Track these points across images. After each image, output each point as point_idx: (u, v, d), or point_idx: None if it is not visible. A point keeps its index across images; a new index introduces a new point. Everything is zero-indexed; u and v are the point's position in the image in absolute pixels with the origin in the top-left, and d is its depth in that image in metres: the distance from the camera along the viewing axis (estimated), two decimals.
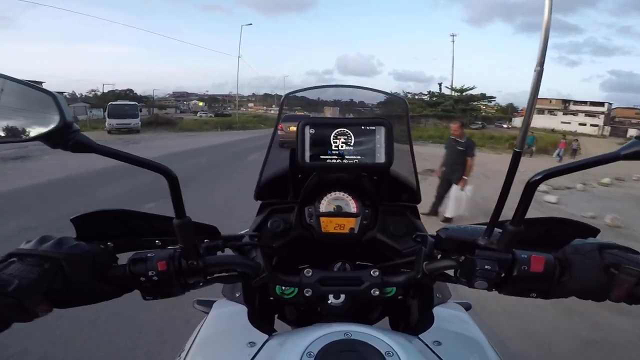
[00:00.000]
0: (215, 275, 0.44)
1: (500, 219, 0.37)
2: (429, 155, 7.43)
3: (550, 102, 42.87)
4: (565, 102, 43.01)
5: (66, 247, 0.36)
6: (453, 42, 37.31)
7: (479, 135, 21.26)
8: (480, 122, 32.36)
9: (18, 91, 0.33)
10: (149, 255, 0.39)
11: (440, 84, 34.46)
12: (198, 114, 41.77)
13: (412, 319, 0.60)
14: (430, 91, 33.74)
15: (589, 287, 0.38)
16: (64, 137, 0.32)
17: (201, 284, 0.42)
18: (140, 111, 19.31)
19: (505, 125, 36.75)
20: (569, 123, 37.36)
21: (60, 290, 0.34)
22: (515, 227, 0.36)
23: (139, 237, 0.48)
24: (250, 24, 26.68)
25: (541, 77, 0.31)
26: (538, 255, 0.39)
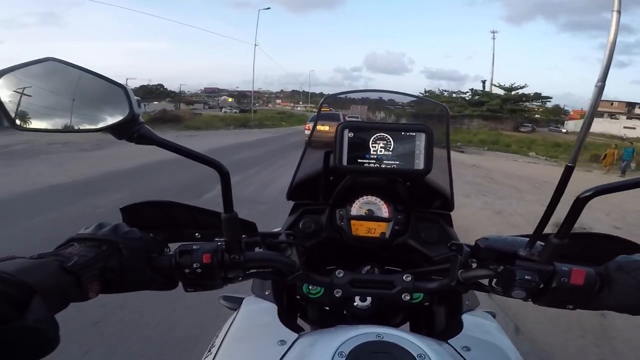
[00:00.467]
0: (252, 270, 0.47)
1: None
2: (509, 176, 6.40)
3: (612, 104, 38.20)
4: (630, 105, 38.19)
5: (122, 232, 0.41)
6: (494, 38, 35.18)
7: (539, 142, 19.51)
8: (530, 125, 29.70)
9: (91, 83, 0.36)
10: (194, 247, 0.42)
11: (484, 82, 32.04)
12: (223, 110, 43.52)
13: (436, 324, 0.62)
14: (472, 89, 31.93)
15: (627, 303, 0.40)
16: (130, 129, 0.35)
17: (240, 278, 0.46)
18: (145, 106, 19.95)
19: (563, 130, 32.85)
20: (634, 128, 32.86)
21: (114, 271, 0.38)
22: (560, 240, 0.38)
23: (181, 228, 0.53)
24: (269, 8, 25.89)
25: (602, 92, 0.32)
26: (579, 269, 0.40)
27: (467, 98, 31.10)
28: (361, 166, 0.54)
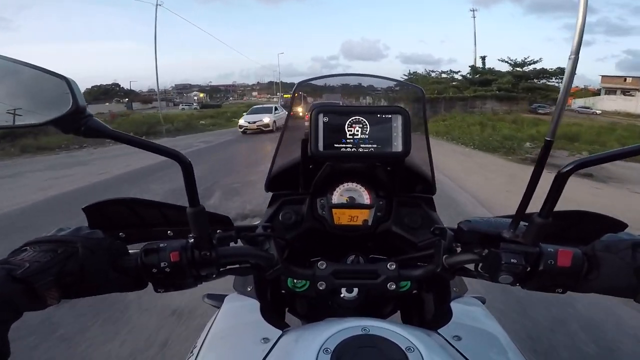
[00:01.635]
0: (228, 267, 0.51)
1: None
2: None
3: (625, 80, 38.56)
4: None
5: (83, 233, 0.44)
6: (474, 17, 35.12)
7: (590, 130, 14.04)
8: (546, 105, 29.56)
9: (31, 76, 0.38)
10: (161, 245, 0.45)
11: (483, 57, 30.60)
12: (180, 107, 43.51)
13: (426, 313, 0.68)
14: (473, 65, 30.62)
15: (616, 286, 0.43)
16: (76, 122, 0.37)
17: (214, 275, 0.49)
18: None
19: (597, 111, 31.49)
20: None
21: (73, 274, 0.40)
22: (543, 220, 0.41)
23: (151, 227, 0.57)
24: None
25: (576, 65, 0.36)
26: (565, 250, 0.44)
27: (468, 76, 30.09)
28: (338, 151, 0.58)
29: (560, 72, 27.85)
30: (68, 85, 0.37)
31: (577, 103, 35.60)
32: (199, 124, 21.15)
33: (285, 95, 20.72)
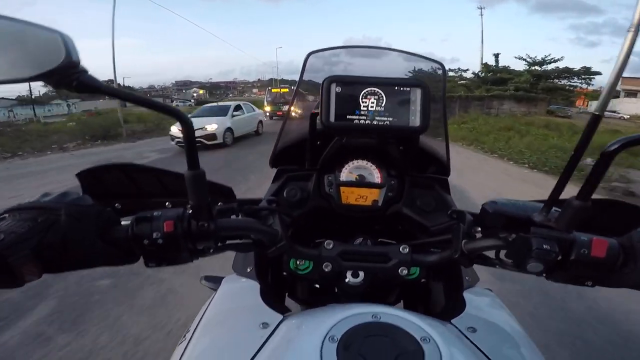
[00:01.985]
0: (227, 241, 0.49)
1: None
2: None
3: None
4: None
5: (68, 199, 0.41)
6: (481, 14, 34.96)
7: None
8: (568, 108, 28.19)
9: (23, 31, 0.37)
10: (155, 214, 0.42)
11: (496, 55, 29.32)
12: (174, 104, 43.99)
13: (433, 302, 0.66)
14: (486, 63, 29.40)
15: None
16: (68, 76, 0.37)
17: (212, 250, 0.46)
18: (72, 106, 20.71)
19: (624, 115, 30.06)
20: None
21: (53, 246, 0.37)
22: (582, 203, 0.39)
23: (149, 197, 0.55)
24: None
25: (635, 40, 0.34)
26: (601, 239, 0.41)
27: (480, 75, 29.11)
28: (351, 123, 0.57)
29: (584, 72, 26.79)
30: (62, 40, 0.37)
31: (592, 105, 34.17)
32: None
33: (273, 90, 20.48)
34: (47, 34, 0.38)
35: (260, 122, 12.80)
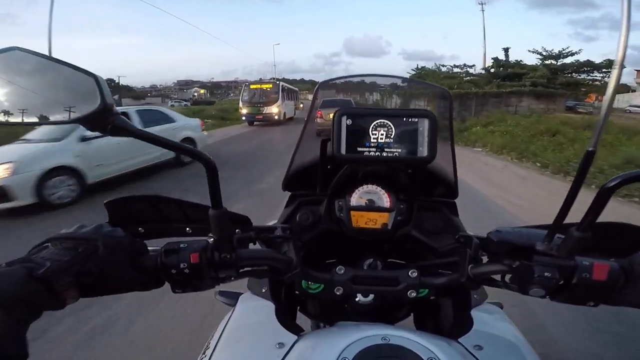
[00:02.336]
0: (246, 269, 0.55)
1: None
2: None
3: None
4: None
5: (104, 230, 0.47)
6: (482, 10, 33.93)
7: None
8: (589, 104, 27.25)
9: (60, 72, 0.41)
10: (181, 246, 0.49)
11: (506, 49, 27.76)
12: (169, 104, 44.68)
13: (442, 319, 0.71)
14: (496, 57, 28.06)
15: None
16: (103, 120, 0.40)
17: (232, 277, 0.53)
18: None
19: None
20: None
21: (92, 273, 0.43)
22: (582, 234, 0.43)
23: (170, 223, 0.62)
24: None
25: (620, 77, 0.39)
26: (602, 263, 0.46)
27: (491, 70, 27.80)
28: (361, 155, 0.62)
29: (607, 65, 25.12)
30: (96, 83, 0.40)
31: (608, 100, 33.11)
32: None
33: (252, 86, 18.21)
34: (83, 77, 0.41)
35: (191, 140, 7.45)
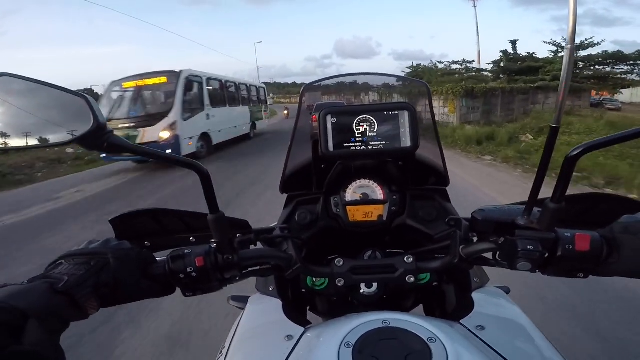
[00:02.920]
0: (250, 269, 0.61)
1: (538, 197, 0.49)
2: None
3: None
4: None
5: (112, 244, 0.53)
6: (475, 6, 33.54)
7: None
8: (615, 100, 25.92)
9: (51, 96, 0.45)
10: (186, 252, 0.55)
11: (514, 42, 26.10)
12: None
13: (448, 304, 0.77)
14: (505, 50, 26.04)
15: (639, 268, 0.49)
16: (98, 139, 0.44)
17: (237, 278, 0.59)
18: None
19: None
20: None
21: (108, 284, 0.49)
22: (556, 205, 0.48)
23: (174, 234, 0.69)
24: None
25: (573, 54, 0.44)
26: (583, 233, 0.50)
27: (501, 64, 25.86)
28: (348, 150, 0.70)
29: (638, 56, 23.07)
30: (88, 104, 0.45)
31: (624, 93, 30.22)
32: None
33: (125, 84, 8.98)
34: (74, 99, 0.45)
35: None
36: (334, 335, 0.50)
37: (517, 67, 25.02)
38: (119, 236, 0.65)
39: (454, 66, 28.59)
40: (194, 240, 0.69)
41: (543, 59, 25.18)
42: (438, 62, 29.49)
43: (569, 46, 0.43)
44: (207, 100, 10.16)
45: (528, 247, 0.50)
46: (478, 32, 32.95)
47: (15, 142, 0.47)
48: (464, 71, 28.10)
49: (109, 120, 8.47)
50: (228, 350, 0.61)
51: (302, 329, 0.59)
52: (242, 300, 0.82)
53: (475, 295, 0.67)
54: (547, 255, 0.51)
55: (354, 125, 0.70)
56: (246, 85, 14.29)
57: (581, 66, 23.86)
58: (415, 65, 30.63)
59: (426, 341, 0.47)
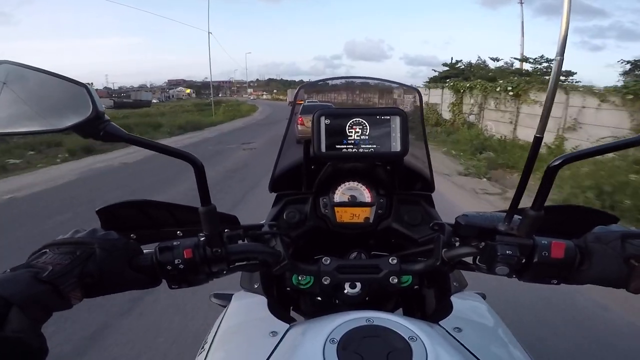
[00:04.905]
0: (237, 263, 0.61)
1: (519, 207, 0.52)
2: None
3: None
4: None
5: (98, 234, 0.52)
6: (521, 2, 32.90)
7: None
8: None
9: (51, 84, 0.45)
10: (175, 243, 0.54)
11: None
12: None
13: (428, 308, 0.80)
14: (542, 55, 22.96)
15: (608, 276, 0.52)
16: (95, 127, 0.44)
17: (225, 272, 0.59)
18: None
19: None
20: None
21: (92, 275, 0.48)
22: (536, 213, 0.50)
23: (161, 227, 0.69)
24: None
25: (562, 65, 0.44)
26: (559, 241, 0.53)
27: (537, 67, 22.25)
28: (339, 152, 0.72)
29: None
30: (87, 92, 0.45)
31: None
32: None
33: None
34: (74, 87, 0.46)
35: None
36: (319, 332, 0.51)
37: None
38: (104, 227, 0.64)
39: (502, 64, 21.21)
40: (181, 234, 0.68)
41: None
42: (493, 58, 22.93)
43: (558, 57, 0.44)
44: None
45: (507, 251, 0.53)
46: (523, 33, 28.64)
47: (11, 127, 0.47)
48: (504, 66, 20.99)
49: None
50: (210, 345, 0.61)
51: (287, 325, 0.60)
52: (224, 298, 0.84)
53: (454, 299, 0.69)
54: (524, 260, 0.54)
55: (347, 127, 0.71)
56: None
57: None
58: (456, 61, 22.93)
59: (407, 340, 0.49)
